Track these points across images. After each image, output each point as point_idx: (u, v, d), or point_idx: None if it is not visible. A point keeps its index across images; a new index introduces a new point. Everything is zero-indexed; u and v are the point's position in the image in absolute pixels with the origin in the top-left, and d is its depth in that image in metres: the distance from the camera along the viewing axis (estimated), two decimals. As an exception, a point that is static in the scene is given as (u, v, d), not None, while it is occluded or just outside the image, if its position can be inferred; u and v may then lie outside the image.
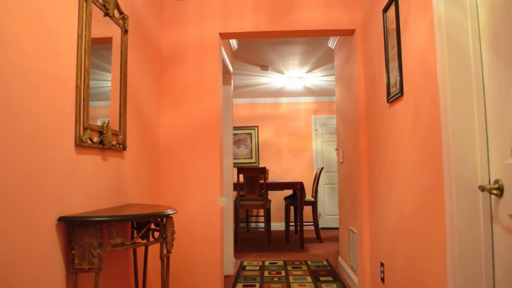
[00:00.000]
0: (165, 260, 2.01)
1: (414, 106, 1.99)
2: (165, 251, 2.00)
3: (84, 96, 1.78)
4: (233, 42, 4.29)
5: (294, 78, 5.95)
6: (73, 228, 1.60)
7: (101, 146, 1.95)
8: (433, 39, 1.72)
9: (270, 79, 6.09)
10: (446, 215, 1.60)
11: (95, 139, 1.91)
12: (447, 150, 1.59)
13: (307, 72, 5.71)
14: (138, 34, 2.60)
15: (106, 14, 2.06)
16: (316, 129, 7.30)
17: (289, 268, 4.14)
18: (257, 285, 3.54)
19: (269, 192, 6.03)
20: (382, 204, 2.59)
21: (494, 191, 1.43)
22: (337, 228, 5.09)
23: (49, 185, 1.53)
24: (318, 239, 5.66)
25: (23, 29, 1.40)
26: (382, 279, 2.56)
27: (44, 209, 1.50)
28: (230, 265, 3.88)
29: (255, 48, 4.66)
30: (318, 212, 6.13)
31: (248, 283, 3.58)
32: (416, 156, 1.97)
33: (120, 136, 2.21)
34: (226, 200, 3.76)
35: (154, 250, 2.64)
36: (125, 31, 2.31)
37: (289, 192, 6.71)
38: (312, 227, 5.95)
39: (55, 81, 1.59)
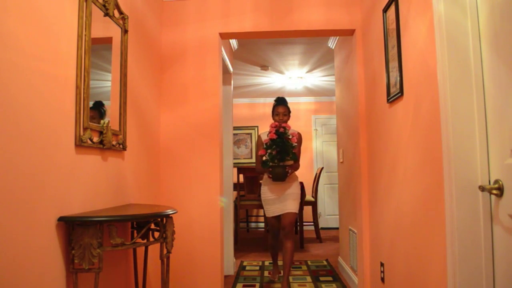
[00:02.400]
0: (165, 260, 2.01)
1: (414, 106, 1.99)
2: (165, 251, 2.00)
3: (84, 96, 1.78)
4: (233, 42, 4.29)
5: (294, 78, 5.95)
6: (73, 228, 1.60)
7: (101, 146, 1.95)
8: (433, 39, 1.71)
9: (270, 79, 6.08)
10: (446, 215, 1.60)
11: (95, 139, 1.91)
12: (447, 150, 1.58)
13: (307, 72, 5.71)
14: (138, 34, 2.60)
15: (106, 14, 2.06)
16: (316, 129, 7.30)
17: (289, 268, 4.14)
18: (257, 285, 3.54)
19: (269, 192, 6.02)
20: (382, 204, 2.59)
21: (494, 191, 1.43)
22: (337, 228, 5.08)
23: (49, 185, 1.53)
24: (318, 239, 5.66)
25: (23, 29, 1.40)
26: (382, 279, 2.56)
27: (44, 209, 1.49)
28: (230, 265, 3.88)
29: (255, 48, 4.66)
30: (318, 212, 6.12)
31: (248, 283, 3.58)
32: (416, 156, 1.97)
33: (120, 136, 2.21)
34: (226, 200, 3.76)
35: (154, 250, 2.64)
36: (125, 31, 2.30)
37: (289, 192, 6.70)
38: (312, 227, 5.94)
39: (55, 81, 1.59)
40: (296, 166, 3.37)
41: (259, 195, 4.68)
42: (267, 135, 3.29)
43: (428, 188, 1.82)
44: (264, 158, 3.29)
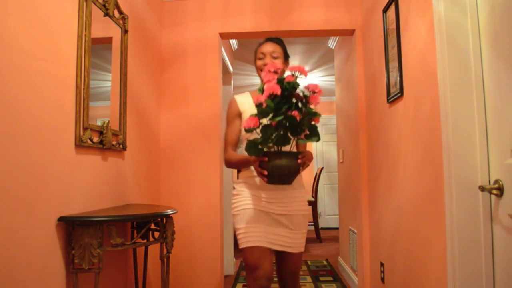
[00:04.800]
0: (165, 260, 2.01)
1: (414, 106, 1.99)
2: (165, 251, 2.00)
3: (84, 96, 1.78)
4: (233, 42, 4.29)
5: (294, 78, 5.95)
6: (73, 228, 1.60)
7: (101, 146, 1.95)
8: (433, 39, 1.71)
9: (270, 79, 6.08)
10: (446, 215, 1.60)
11: (95, 139, 1.91)
12: (447, 150, 1.58)
13: (307, 72, 5.71)
14: (138, 34, 2.60)
15: (106, 14, 2.06)
16: (316, 129, 7.29)
17: (289, 268, 4.13)
18: (257, 285, 3.54)
19: (269, 192, 6.02)
20: (382, 204, 2.59)
21: (494, 191, 1.43)
22: (337, 228, 5.08)
23: (49, 185, 1.53)
24: (318, 239, 5.66)
25: (23, 29, 1.40)
26: (382, 279, 2.56)
27: (44, 209, 1.49)
28: (230, 265, 3.88)
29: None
30: (318, 212, 6.12)
31: (248, 283, 3.58)
32: (416, 156, 1.97)
33: (120, 136, 2.21)
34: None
35: (154, 250, 2.64)
36: (125, 31, 2.30)
37: (289, 192, 6.69)
38: (312, 227, 5.94)
39: (55, 81, 1.59)
40: (310, 156, 1.72)
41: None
42: (261, 89, 1.58)
43: (428, 188, 1.82)
44: (250, 137, 1.69)
